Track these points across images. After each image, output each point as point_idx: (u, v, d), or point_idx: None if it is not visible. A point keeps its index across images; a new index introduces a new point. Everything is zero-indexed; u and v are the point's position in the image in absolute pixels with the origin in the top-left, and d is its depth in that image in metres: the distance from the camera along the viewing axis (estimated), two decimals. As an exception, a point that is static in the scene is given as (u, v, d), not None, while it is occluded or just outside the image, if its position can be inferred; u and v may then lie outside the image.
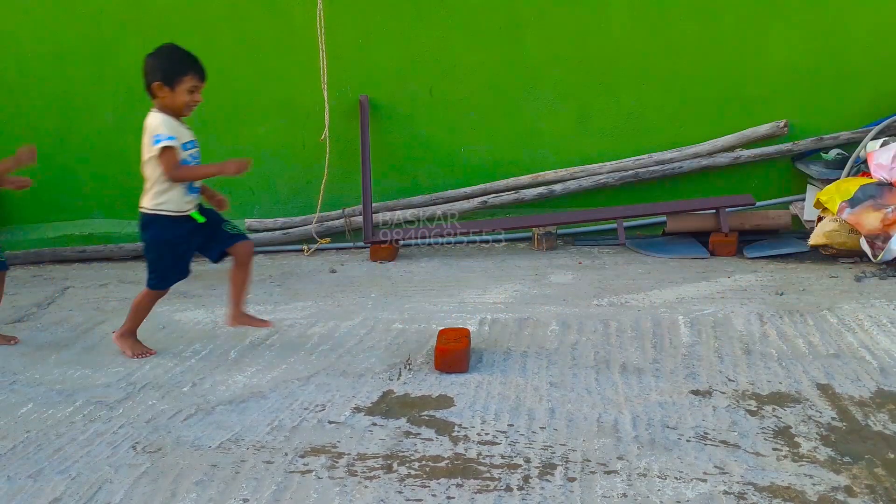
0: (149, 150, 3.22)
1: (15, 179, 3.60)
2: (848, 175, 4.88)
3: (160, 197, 3.25)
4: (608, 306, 3.91)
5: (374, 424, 2.69)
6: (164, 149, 3.17)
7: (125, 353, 3.45)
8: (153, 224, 3.30)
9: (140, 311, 3.46)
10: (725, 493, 2.18)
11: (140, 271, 3.96)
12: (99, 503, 2.24)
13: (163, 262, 3.36)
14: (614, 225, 5.18)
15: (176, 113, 3.25)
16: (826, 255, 4.63)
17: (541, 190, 5.30)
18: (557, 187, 5.31)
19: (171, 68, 3.20)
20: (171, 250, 3.34)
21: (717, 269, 4.52)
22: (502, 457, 2.43)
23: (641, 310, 3.82)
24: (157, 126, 3.20)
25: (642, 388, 2.92)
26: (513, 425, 2.64)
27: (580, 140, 5.37)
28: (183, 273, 3.42)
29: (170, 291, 3.47)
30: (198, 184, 3.35)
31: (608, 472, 2.31)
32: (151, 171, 3.24)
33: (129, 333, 3.49)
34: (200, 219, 3.35)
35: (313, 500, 2.23)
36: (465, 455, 2.45)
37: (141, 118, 5.60)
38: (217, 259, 3.45)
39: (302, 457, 2.47)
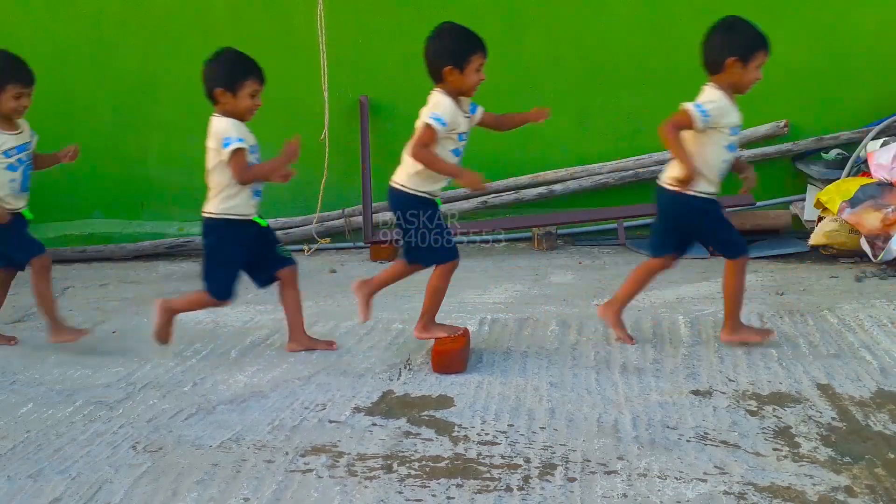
0: (217, 155, 3.15)
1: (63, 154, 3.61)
2: (848, 175, 4.89)
3: (228, 201, 3.20)
4: (608, 306, 3.90)
5: (375, 424, 2.69)
6: (235, 151, 3.10)
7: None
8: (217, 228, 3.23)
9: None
10: (725, 493, 2.18)
11: (141, 271, 3.99)
12: (99, 503, 2.24)
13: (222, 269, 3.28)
14: (614, 225, 5.18)
15: (240, 117, 3.20)
16: (826, 255, 4.63)
17: (541, 190, 5.31)
18: (557, 187, 5.31)
19: (233, 73, 3.14)
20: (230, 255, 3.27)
21: (718, 269, 4.50)
22: (502, 457, 2.43)
23: (641, 310, 3.82)
24: (227, 129, 3.13)
25: (642, 388, 2.91)
26: (513, 425, 2.64)
27: (580, 140, 5.38)
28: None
29: (171, 291, 3.47)
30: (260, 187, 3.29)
31: (608, 473, 2.31)
32: (220, 175, 3.18)
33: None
34: (263, 222, 3.31)
35: (314, 499, 2.22)
36: (465, 455, 2.45)
37: (141, 118, 5.57)
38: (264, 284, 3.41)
39: (303, 456, 2.47)
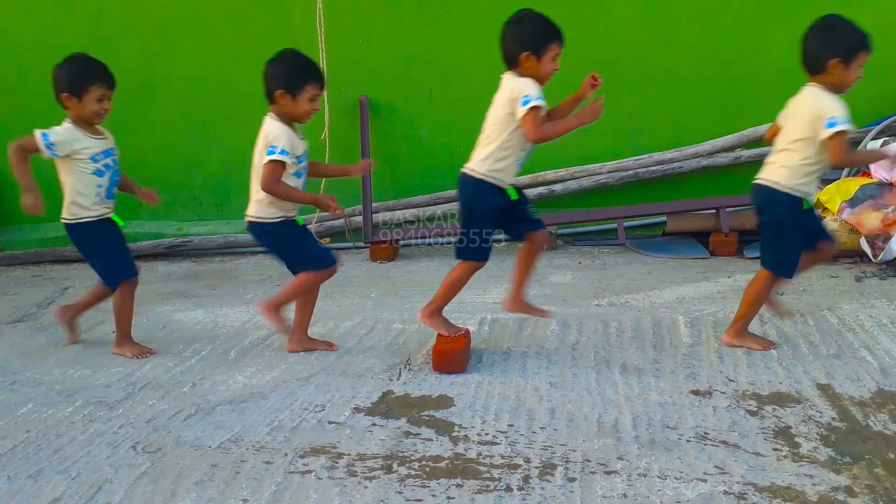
0: (262, 158, 3.17)
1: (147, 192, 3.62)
2: (848, 175, 4.88)
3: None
4: (608, 306, 3.90)
5: (374, 424, 2.69)
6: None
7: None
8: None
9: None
10: (725, 493, 2.18)
11: (140, 271, 3.94)
12: (99, 503, 2.24)
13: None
14: (614, 225, 5.18)
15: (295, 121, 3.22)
16: (826, 255, 4.63)
17: (541, 190, 5.30)
18: (557, 187, 5.31)
19: (294, 76, 3.14)
20: None
21: (717, 269, 4.52)
22: (502, 457, 2.43)
23: (641, 310, 3.82)
24: (278, 136, 3.14)
25: (642, 388, 2.91)
26: (513, 425, 2.64)
27: (580, 140, 5.37)
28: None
29: (170, 291, 3.46)
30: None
31: (608, 473, 2.31)
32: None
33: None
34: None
35: (313, 500, 2.22)
36: (465, 455, 2.45)
37: (140, 118, 5.57)
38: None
39: (302, 457, 2.47)
